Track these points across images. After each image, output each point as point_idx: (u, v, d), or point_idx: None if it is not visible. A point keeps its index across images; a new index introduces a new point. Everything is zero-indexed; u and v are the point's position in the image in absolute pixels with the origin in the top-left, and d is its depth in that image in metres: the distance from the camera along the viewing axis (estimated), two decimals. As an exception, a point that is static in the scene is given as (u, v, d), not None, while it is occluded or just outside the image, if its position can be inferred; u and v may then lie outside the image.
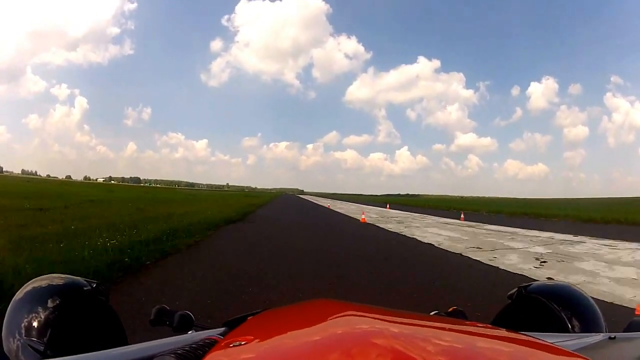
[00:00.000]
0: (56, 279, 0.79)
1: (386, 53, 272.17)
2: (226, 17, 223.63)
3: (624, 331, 0.69)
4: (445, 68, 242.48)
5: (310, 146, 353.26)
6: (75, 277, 0.83)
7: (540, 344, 0.42)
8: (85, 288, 0.79)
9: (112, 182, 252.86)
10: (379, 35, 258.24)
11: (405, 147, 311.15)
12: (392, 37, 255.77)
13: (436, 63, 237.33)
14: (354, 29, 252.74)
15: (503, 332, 0.48)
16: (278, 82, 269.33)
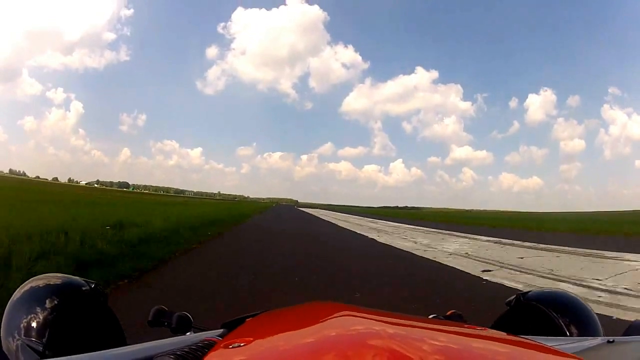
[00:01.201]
0: (54, 278, 0.78)
1: (384, 63, 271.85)
2: (222, 24, 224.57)
3: (624, 334, 0.69)
4: (444, 79, 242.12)
5: (304, 157, 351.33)
6: (73, 277, 0.82)
7: (537, 346, 0.42)
8: (83, 288, 0.78)
9: (96, 185, 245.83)
10: (377, 44, 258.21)
11: (400, 160, 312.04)
12: (390, 46, 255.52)
13: (434, 74, 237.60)
14: (352, 37, 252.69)
15: (499, 335, 0.48)
16: (274, 92, 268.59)
